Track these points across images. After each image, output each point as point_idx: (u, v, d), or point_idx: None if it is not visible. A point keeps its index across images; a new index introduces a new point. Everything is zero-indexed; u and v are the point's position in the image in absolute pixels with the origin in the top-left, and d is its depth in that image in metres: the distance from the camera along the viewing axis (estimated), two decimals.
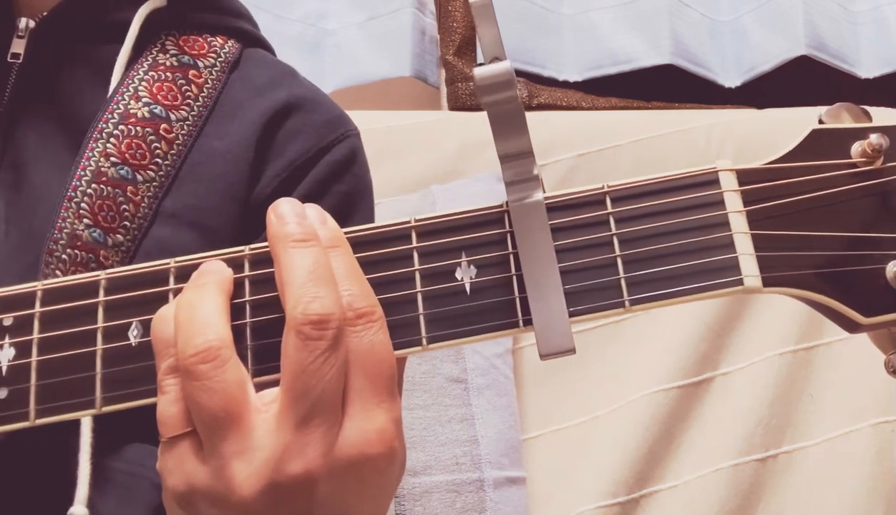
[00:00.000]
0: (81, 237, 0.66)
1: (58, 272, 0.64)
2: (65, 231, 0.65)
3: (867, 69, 1.66)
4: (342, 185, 0.77)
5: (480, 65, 0.45)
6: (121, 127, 0.69)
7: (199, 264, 0.46)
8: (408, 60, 1.50)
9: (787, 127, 1.35)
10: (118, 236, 0.67)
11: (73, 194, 0.66)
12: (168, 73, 0.73)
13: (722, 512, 1.18)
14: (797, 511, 1.21)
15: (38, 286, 0.47)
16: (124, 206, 0.68)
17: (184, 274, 0.46)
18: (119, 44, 0.73)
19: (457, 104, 1.50)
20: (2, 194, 0.69)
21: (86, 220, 0.66)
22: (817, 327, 1.25)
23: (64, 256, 0.65)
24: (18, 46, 0.72)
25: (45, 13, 0.73)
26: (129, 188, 0.68)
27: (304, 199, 0.73)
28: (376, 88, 1.53)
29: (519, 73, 1.54)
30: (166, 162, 0.70)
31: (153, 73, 0.73)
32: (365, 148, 0.81)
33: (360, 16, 1.53)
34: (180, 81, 0.73)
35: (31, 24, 0.73)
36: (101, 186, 0.67)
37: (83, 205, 0.66)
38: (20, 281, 0.48)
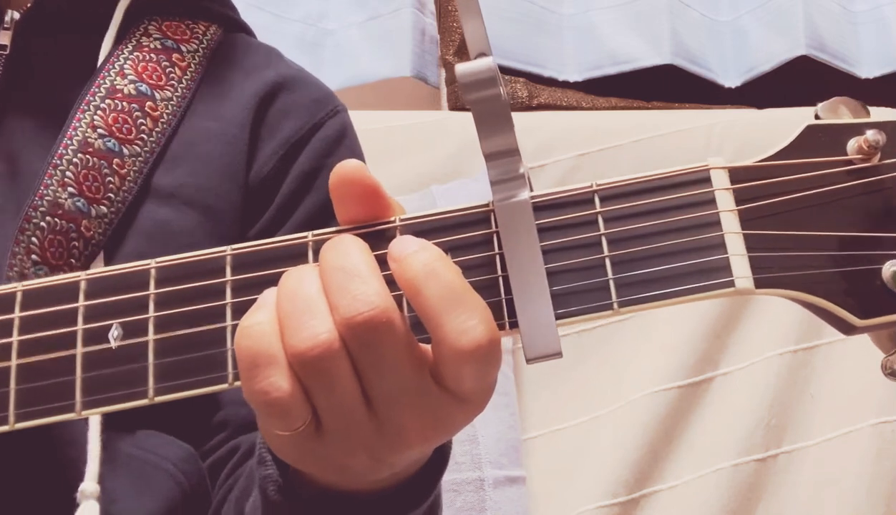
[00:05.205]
0: (63, 205, 0.65)
1: (34, 239, 0.64)
2: (46, 198, 0.65)
3: (867, 69, 1.66)
4: (337, 159, 0.78)
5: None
6: (107, 100, 0.70)
7: (181, 263, 0.45)
8: (408, 60, 1.50)
9: (788, 127, 1.31)
10: (102, 207, 0.67)
11: (58, 162, 0.66)
12: (152, 55, 0.74)
13: (722, 512, 1.18)
14: (797, 511, 1.21)
15: (17, 287, 0.46)
16: (109, 178, 0.68)
17: (165, 277, 0.45)
18: (103, 34, 0.74)
19: (457, 104, 1.50)
20: None
21: (70, 189, 0.66)
22: (817, 327, 1.24)
23: (42, 224, 0.65)
24: (4, 38, 0.73)
25: (29, 4, 0.74)
26: (116, 160, 0.68)
27: (303, 176, 0.75)
28: (376, 88, 1.52)
29: (519, 72, 1.54)
30: (151, 139, 0.70)
31: (138, 54, 0.73)
32: (365, 148, 0.82)
33: (360, 16, 1.53)
34: (164, 63, 0.74)
35: (16, 15, 0.74)
36: (87, 156, 0.67)
37: (68, 173, 0.66)
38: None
